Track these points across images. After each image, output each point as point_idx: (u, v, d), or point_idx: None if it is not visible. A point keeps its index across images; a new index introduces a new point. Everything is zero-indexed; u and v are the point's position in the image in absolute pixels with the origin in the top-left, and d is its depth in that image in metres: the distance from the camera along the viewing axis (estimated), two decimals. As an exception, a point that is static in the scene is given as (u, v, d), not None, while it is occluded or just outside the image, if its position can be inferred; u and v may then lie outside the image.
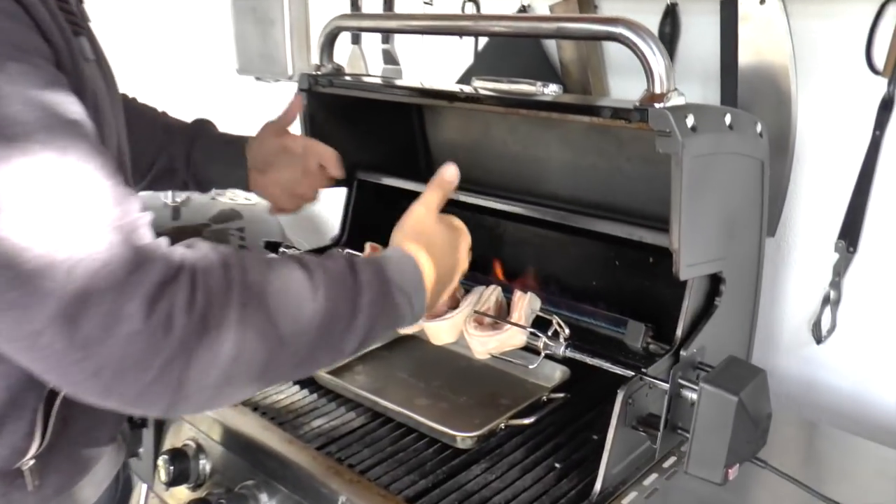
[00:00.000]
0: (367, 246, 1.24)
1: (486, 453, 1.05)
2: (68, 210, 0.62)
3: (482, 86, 1.12)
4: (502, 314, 1.12)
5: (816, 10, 1.18)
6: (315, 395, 1.19)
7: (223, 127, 1.33)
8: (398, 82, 1.37)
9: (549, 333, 1.04)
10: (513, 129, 1.40)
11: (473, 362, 1.16)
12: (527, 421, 1.05)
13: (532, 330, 1.03)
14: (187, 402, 0.66)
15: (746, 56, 1.24)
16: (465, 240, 1.00)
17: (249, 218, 2.03)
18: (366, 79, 1.44)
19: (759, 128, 1.04)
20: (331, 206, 2.10)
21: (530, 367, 1.05)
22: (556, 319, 1.02)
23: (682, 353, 1.00)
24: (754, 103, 1.26)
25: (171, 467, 1.18)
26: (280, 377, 0.75)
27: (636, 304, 1.26)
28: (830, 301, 1.24)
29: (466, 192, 1.30)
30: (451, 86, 1.24)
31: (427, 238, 0.90)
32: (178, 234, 1.95)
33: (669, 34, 1.34)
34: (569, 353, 1.02)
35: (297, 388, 1.22)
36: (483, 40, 1.62)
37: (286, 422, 1.12)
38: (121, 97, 0.99)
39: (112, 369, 0.61)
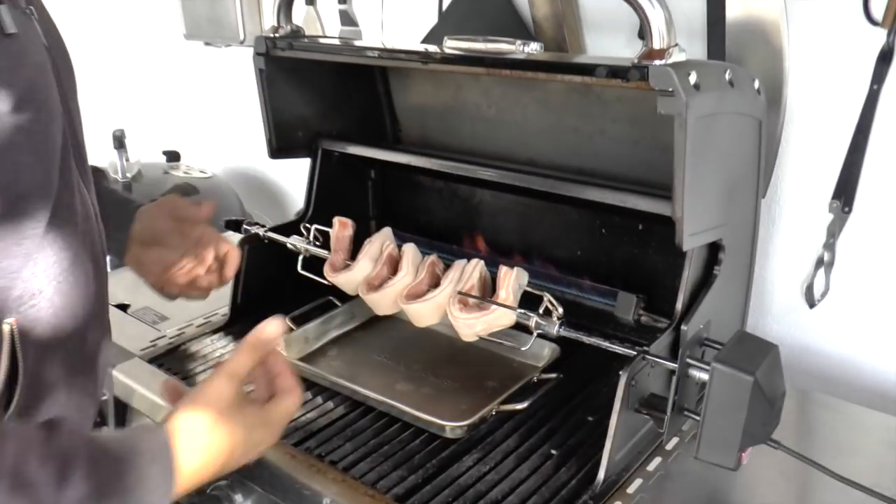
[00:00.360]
0: (336, 221, 1.16)
1: (478, 442, 0.98)
2: None
3: (456, 46, 1.03)
4: (487, 291, 1.05)
5: (808, -44, 1.11)
6: (288, 385, 1.11)
7: (172, 96, 1.22)
8: (362, 44, 1.27)
9: (541, 311, 0.97)
10: (486, 92, 1.31)
11: (455, 341, 1.09)
12: (519, 406, 0.99)
13: (522, 311, 0.96)
14: None
15: (734, 9, 1.17)
16: (282, 413, 0.79)
17: (205, 192, 1.92)
18: (326, 40, 1.33)
19: (756, 84, 0.97)
20: (292, 178, 2.00)
21: (523, 348, 0.98)
22: (547, 297, 0.95)
23: (683, 327, 0.94)
24: (743, 59, 1.19)
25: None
26: None
27: (625, 275, 1.20)
28: (824, 263, 1.19)
29: (438, 160, 1.22)
30: (424, 46, 1.14)
31: (214, 423, 0.70)
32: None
33: (650, -14, 1.26)
34: (563, 333, 0.95)
35: (267, 377, 1.13)
36: (448, -2, 1.52)
37: (259, 416, 1.04)
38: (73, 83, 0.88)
39: None
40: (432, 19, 1.54)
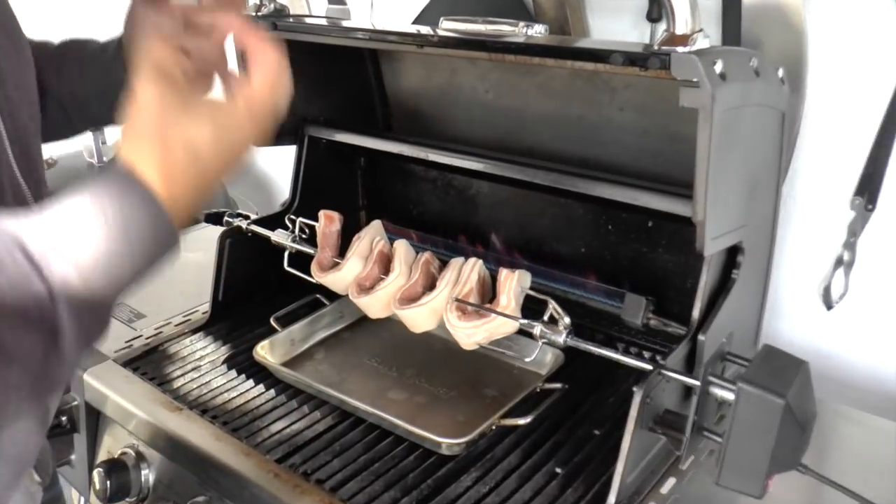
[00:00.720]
0: (321, 216, 1.07)
1: (476, 459, 0.91)
2: None
3: (453, 28, 0.95)
4: (487, 293, 0.98)
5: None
6: (273, 392, 1.03)
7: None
8: (351, 24, 1.18)
9: (546, 318, 0.89)
10: (483, 77, 1.23)
11: (451, 344, 1.00)
12: (521, 421, 0.91)
13: (526, 321, 0.88)
14: None
15: (752, -13, 1.09)
16: (256, 94, 0.63)
17: (185, 178, 1.82)
18: (312, 20, 1.24)
19: (780, 73, 0.90)
20: (278, 164, 1.91)
21: (527, 359, 0.90)
22: (552, 304, 0.88)
23: (701, 337, 0.87)
24: (761, 44, 1.11)
25: (109, 481, 1.02)
26: None
27: (633, 274, 1.13)
28: (843, 263, 1.12)
29: (432, 149, 1.14)
30: (417, 28, 1.06)
31: (161, 144, 0.57)
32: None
33: (661, -36, 1.17)
34: (570, 343, 0.88)
35: (251, 383, 1.05)
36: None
37: (241, 427, 0.96)
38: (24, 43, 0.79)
39: None
40: (424, -1, 1.46)
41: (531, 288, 0.95)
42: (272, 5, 1.12)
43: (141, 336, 1.18)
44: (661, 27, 1.16)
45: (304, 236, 1.13)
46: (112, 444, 1.10)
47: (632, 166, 1.12)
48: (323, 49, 1.12)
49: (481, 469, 0.89)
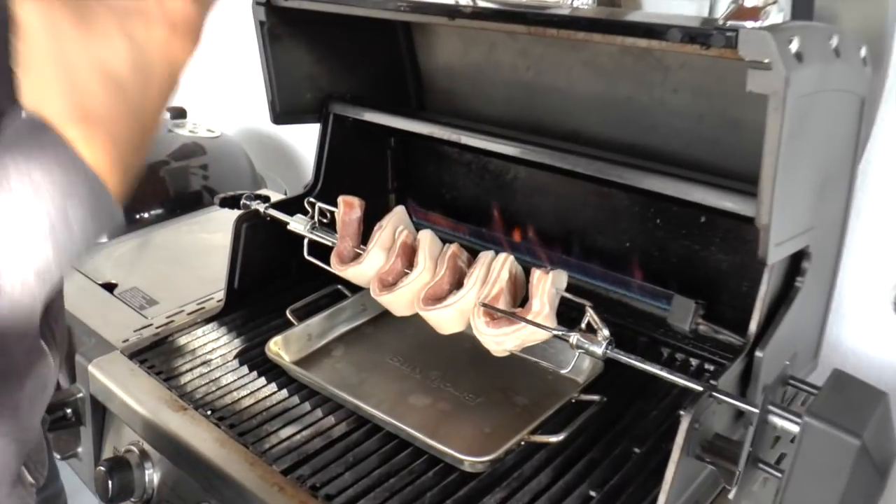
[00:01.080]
0: (341, 202, 0.99)
1: (502, 477, 0.82)
2: None
3: (491, -3, 0.85)
4: (520, 292, 0.89)
5: None
6: (285, 392, 0.96)
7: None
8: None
9: (583, 326, 0.80)
10: (524, 52, 1.13)
11: (480, 344, 0.91)
12: (553, 439, 0.82)
13: (558, 332, 0.79)
14: None
15: (829, -45, 0.97)
16: None
17: (214, 154, 1.76)
18: (341, -12, 1.15)
19: (863, 53, 0.78)
20: (310, 139, 1.83)
21: (563, 371, 0.81)
22: (589, 312, 0.78)
23: (758, 353, 0.77)
24: (836, 17, 0.98)
25: (111, 482, 0.95)
26: None
27: (681, 274, 1.03)
28: (920, 267, 1.01)
29: (465, 131, 1.04)
30: (451, -3, 0.96)
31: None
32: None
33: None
34: (610, 355, 0.78)
35: (262, 381, 0.98)
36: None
37: (248, 431, 0.89)
38: None
39: None
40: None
41: (568, 289, 0.85)
42: (294, -28, 1.03)
43: (151, 325, 1.12)
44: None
45: (324, 220, 1.04)
46: (117, 440, 1.04)
47: (684, 155, 1.01)
48: (350, 21, 1.02)
49: (507, 489, 0.81)
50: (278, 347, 1.00)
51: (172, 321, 1.13)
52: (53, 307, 0.74)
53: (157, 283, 1.23)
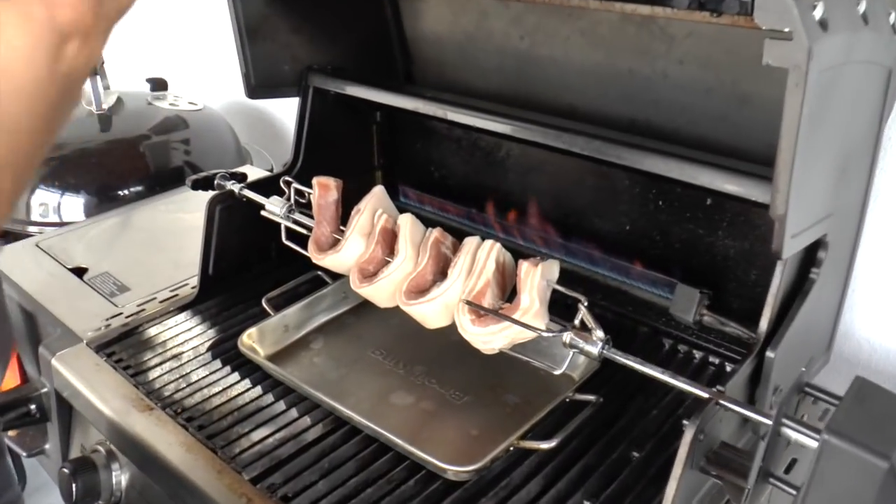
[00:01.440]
0: (315, 183, 0.91)
1: (489, 485, 0.76)
2: None
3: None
4: (509, 283, 0.82)
5: None
6: (259, 390, 0.89)
7: (157, 16, 0.97)
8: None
9: (577, 322, 0.73)
10: (517, 20, 1.04)
11: (468, 336, 0.85)
12: (545, 445, 0.76)
13: (547, 332, 0.72)
14: None
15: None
16: None
17: (197, 127, 1.68)
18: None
19: (892, 19, 0.70)
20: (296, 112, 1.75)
21: (556, 372, 0.74)
22: (583, 310, 0.71)
23: (769, 354, 0.70)
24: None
25: (75, 484, 0.89)
26: None
27: (685, 260, 0.96)
28: (943, 252, 0.93)
29: (452, 106, 0.97)
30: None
31: None
32: (108, 151, 1.61)
33: None
34: (607, 355, 0.72)
35: (235, 377, 0.92)
36: None
37: (217, 434, 0.83)
38: None
39: None
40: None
41: (563, 274, 0.78)
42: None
43: (121, 314, 1.05)
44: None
45: (302, 201, 0.97)
46: (84, 438, 0.98)
47: (689, 132, 0.94)
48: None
49: (494, 499, 0.74)
50: (252, 340, 0.93)
51: (143, 310, 1.06)
52: None
53: (129, 267, 1.17)
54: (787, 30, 0.54)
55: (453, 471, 0.74)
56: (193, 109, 1.69)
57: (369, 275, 0.85)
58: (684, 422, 0.63)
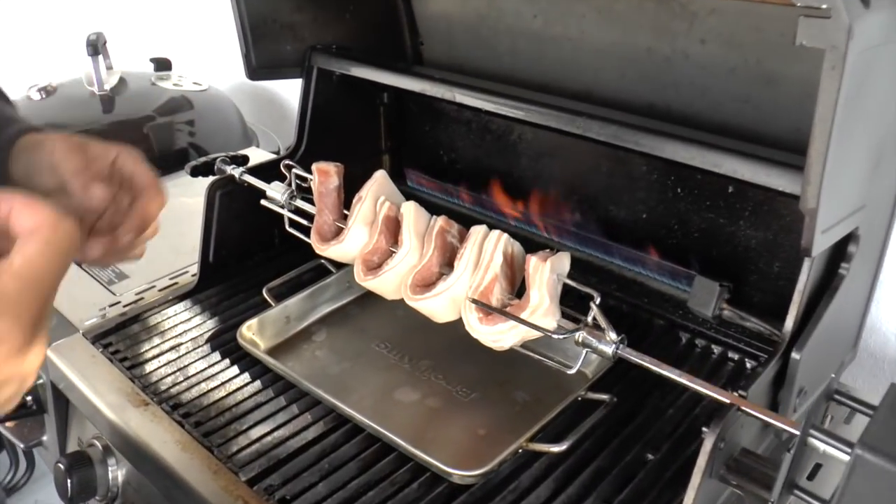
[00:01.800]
0: (315, 170, 0.87)
1: (497, 489, 0.72)
2: None
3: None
4: (517, 276, 0.77)
5: None
6: (258, 384, 0.86)
7: None
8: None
9: (590, 320, 0.69)
10: (531, -3, 1.00)
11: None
12: (555, 449, 0.72)
13: (557, 335, 0.68)
14: None
15: None
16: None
17: (202, 108, 1.64)
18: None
19: (933, -5, 0.65)
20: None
21: (570, 371, 0.70)
22: (595, 309, 0.67)
23: (795, 355, 0.65)
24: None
25: (70, 480, 0.86)
26: None
27: (704, 251, 0.92)
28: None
29: (462, 88, 0.92)
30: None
31: None
32: (111, 132, 1.57)
33: None
34: (622, 355, 0.68)
35: (234, 370, 0.88)
36: None
37: (214, 431, 0.79)
38: None
39: None
40: None
41: (576, 264, 0.74)
42: None
43: (119, 303, 1.02)
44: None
45: (304, 185, 0.93)
46: (81, 431, 0.95)
47: (711, 115, 0.89)
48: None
49: (502, 503, 0.71)
50: (252, 332, 0.90)
51: (142, 298, 1.03)
52: None
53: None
54: (824, 6, 0.49)
55: (459, 475, 0.70)
56: (198, 90, 1.65)
57: (374, 266, 0.81)
58: (704, 429, 0.59)
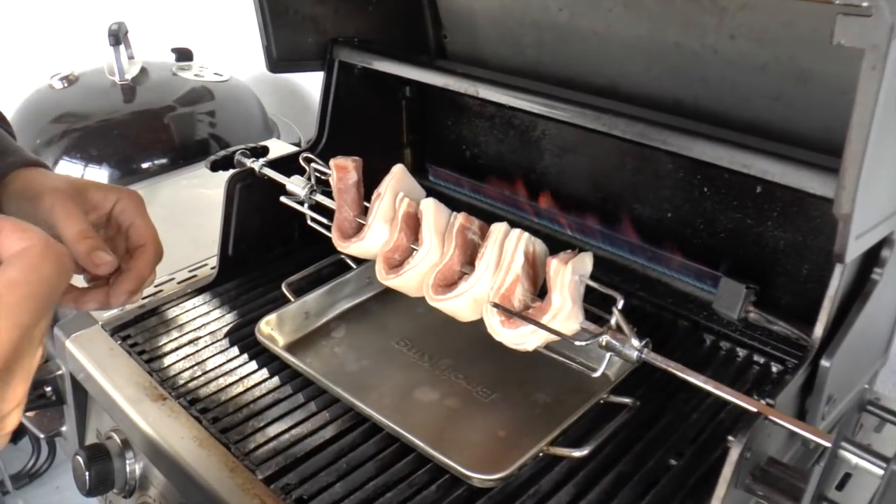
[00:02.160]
0: (333, 166, 0.86)
1: (516, 493, 0.71)
2: None
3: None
4: (539, 275, 0.76)
5: None
6: (277, 380, 0.85)
7: None
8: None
9: (613, 323, 0.67)
10: (556, -11, 0.98)
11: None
12: (576, 453, 0.70)
13: (580, 342, 0.67)
14: None
15: None
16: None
17: (222, 99, 1.64)
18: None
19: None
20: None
21: (594, 375, 0.69)
22: (617, 314, 0.66)
23: (824, 363, 0.64)
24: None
25: (88, 472, 0.87)
26: None
27: (730, 252, 0.90)
28: None
29: (485, 83, 0.91)
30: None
31: None
32: (132, 122, 1.57)
33: None
34: (646, 359, 0.66)
35: (253, 365, 0.88)
36: None
37: (232, 427, 0.79)
38: None
39: None
40: None
41: (599, 263, 0.73)
42: None
43: (138, 295, 1.01)
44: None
45: (324, 178, 0.92)
46: (100, 422, 0.95)
47: (739, 112, 0.87)
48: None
49: (521, 508, 0.70)
50: (271, 328, 0.89)
51: (161, 290, 1.03)
52: None
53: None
54: (865, 4, 0.47)
55: (479, 478, 0.69)
56: (219, 80, 1.65)
57: (395, 265, 0.80)
58: (730, 438, 0.58)
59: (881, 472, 0.50)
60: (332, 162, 0.85)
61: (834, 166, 0.56)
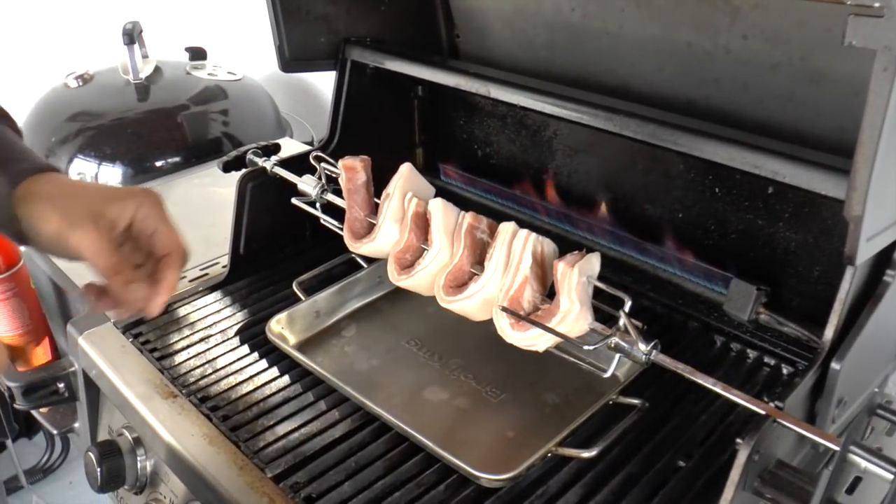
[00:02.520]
0: (341, 166, 0.86)
1: (525, 493, 0.71)
2: None
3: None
4: (548, 275, 0.76)
5: None
6: (287, 378, 0.86)
7: None
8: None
9: (621, 325, 0.67)
10: (568, -11, 0.98)
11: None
12: (585, 454, 0.70)
13: (591, 346, 0.67)
14: None
15: None
16: None
17: (236, 97, 1.65)
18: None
19: None
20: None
21: (605, 375, 0.69)
22: (624, 317, 0.66)
23: (835, 365, 0.63)
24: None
25: (100, 468, 0.87)
26: None
27: (742, 253, 0.90)
28: None
29: (497, 83, 0.91)
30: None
31: None
32: (146, 121, 1.58)
33: None
34: (655, 360, 0.66)
35: (263, 364, 0.88)
36: None
37: (242, 425, 0.79)
38: None
39: None
40: None
41: (609, 263, 0.73)
42: None
43: (150, 293, 1.02)
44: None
45: (334, 176, 0.92)
46: (111, 420, 0.96)
47: (752, 112, 0.87)
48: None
49: (529, 509, 0.70)
50: (281, 326, 0.90)
51: (173, 289, 1.03)
52: None
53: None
54: (877, 5, 0.47)
55: (487, 478, 0.69)
56: (233, 79, 1.66)
57: (407, 265, 0.81)
58: (738, 440, 0.58)
59: (891, 476, 0.50)
60: (340, 162, 0.85)
61: (845, 167, 0.56)
